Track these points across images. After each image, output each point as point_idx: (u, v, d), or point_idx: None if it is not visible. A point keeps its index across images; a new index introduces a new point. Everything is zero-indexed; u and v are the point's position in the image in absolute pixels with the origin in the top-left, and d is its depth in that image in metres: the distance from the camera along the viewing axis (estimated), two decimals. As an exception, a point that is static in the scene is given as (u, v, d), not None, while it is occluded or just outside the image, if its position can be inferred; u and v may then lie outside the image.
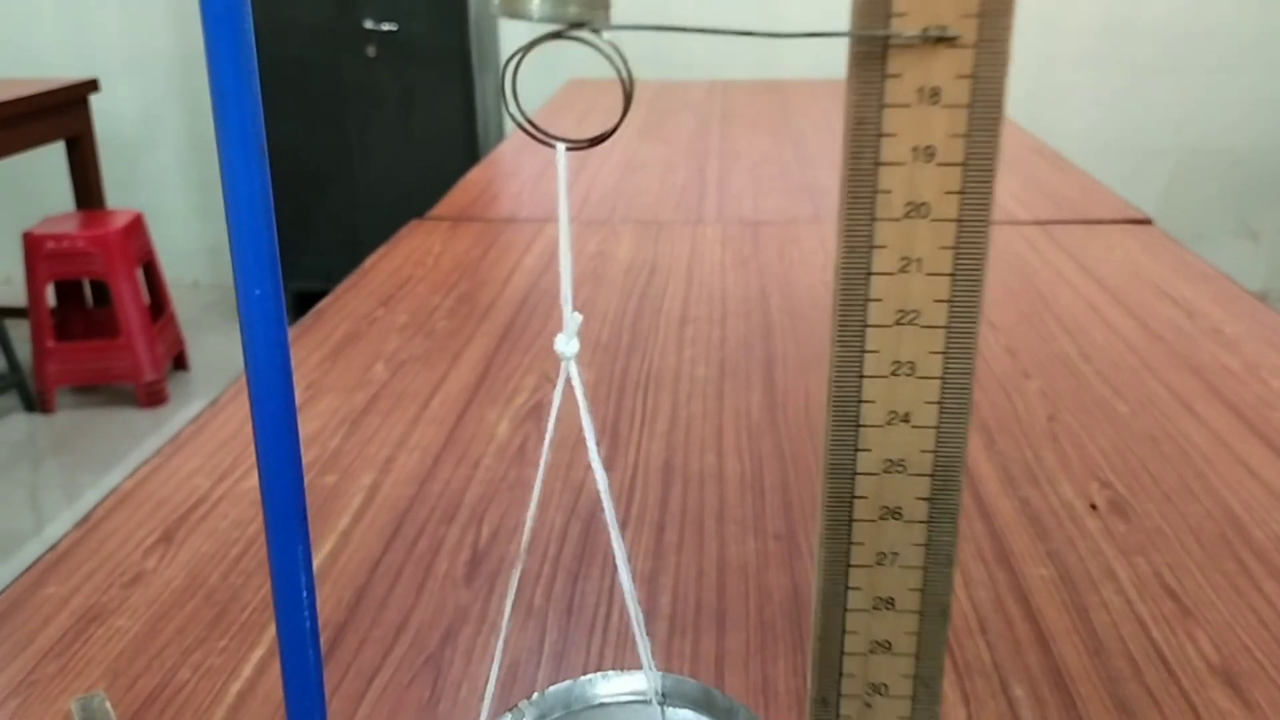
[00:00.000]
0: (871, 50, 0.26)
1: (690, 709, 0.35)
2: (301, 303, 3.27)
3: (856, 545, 0.31)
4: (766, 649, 0.52)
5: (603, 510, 0.30)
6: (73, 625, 0.55)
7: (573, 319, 0.29)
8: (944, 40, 0.26)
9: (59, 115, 2.77)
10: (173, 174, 3.57)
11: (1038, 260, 1.10)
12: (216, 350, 3.09)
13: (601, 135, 0.26)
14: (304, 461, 0.71)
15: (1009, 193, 1.36)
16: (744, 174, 1.49)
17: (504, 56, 3.41)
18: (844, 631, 0.32)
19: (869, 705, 0.33)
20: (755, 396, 0.80)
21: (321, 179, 3.15)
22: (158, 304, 2.84)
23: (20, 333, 2.82)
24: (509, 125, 3.28)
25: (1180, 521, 0.63)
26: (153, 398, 2.72)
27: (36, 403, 2.71)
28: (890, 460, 0.30)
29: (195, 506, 0.66)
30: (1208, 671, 0.50)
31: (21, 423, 2.67)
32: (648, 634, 0.52)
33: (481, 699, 0.49)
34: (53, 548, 0.62)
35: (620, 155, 1.59)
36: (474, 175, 1.53)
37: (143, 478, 0.69)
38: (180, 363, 2.95)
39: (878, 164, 0.27)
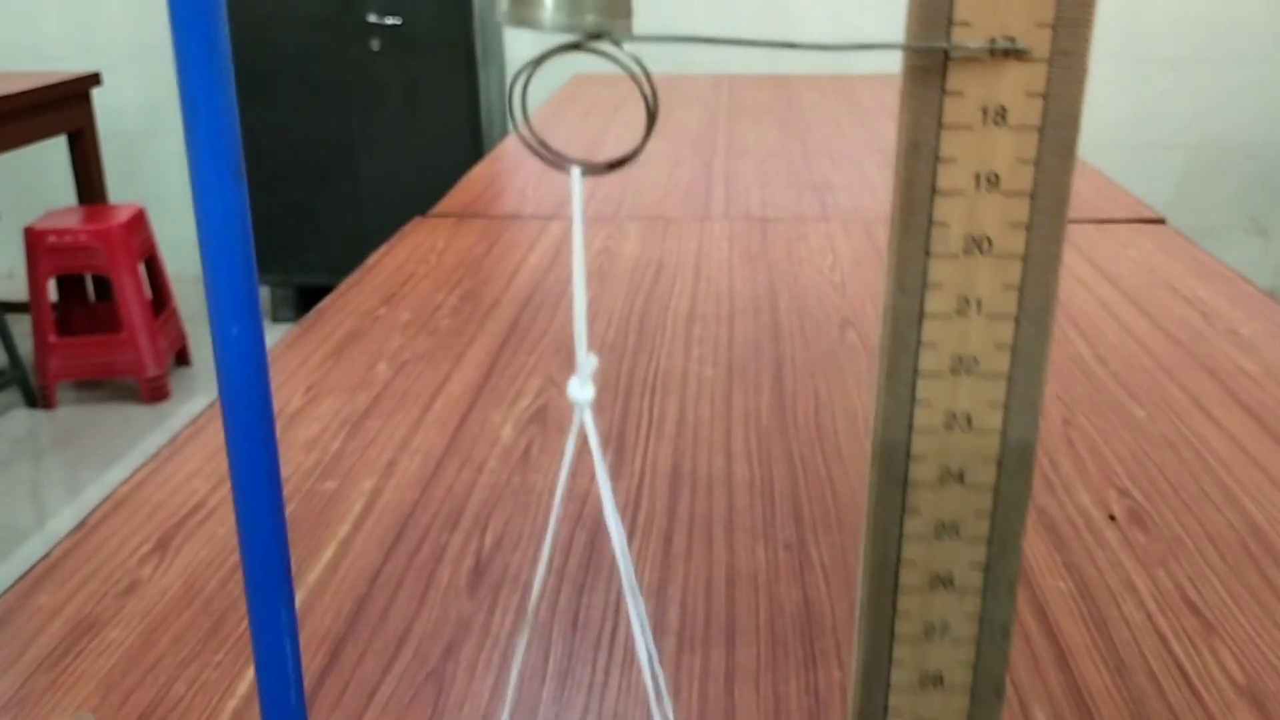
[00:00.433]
0: (929, 64, 0.23)
1: None
2: (305, 298, 3.26)
3: (902, 616, 0.28)
4: (778, 666, 0.51)
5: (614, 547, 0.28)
6: (65, 637, 0.54)
7: (587, 361, 0.26)
8: (1013, 53, 0.23)
9: (61, 109, 2.75)
10: (175, 168, 3.56)
11: (1050, 259, 1.08)
12: (219, 345, 3.07)
13: (621, 159, 0.24)
14: (305, 467, 0.69)
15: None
16: (751, 169, 1.47)
17: (509, 50, 3.39)
18: (886, 710, 0.29)
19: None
20: (764, 398, 0.78)
21: (325, 173, 3.13)
22: (160, 299, 2.83)
23: (22, 328, 2.81)
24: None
25: (1200, 531, 0.61)
26: (155, 393, 2.71)
27: (38, 398, 2.69)
28: (942, 523, 0.27)
29: (193, 511, 0.65)
30: (1234, 691, 0.49)
31: (23, 418, 2.66)
32: (657, 649, 0.51)
33: None
34: (46, 556, 0.61)
35: (626, 150, 1.57)
36: (478, 171, 1.51)
37: (139, 482, 0.68)
38: (183, 358, 2.94)
39: (934, 192, 0.24)
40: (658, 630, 0.53)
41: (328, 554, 0.60)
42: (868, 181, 1.41)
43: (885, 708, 0.29)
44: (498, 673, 0.51)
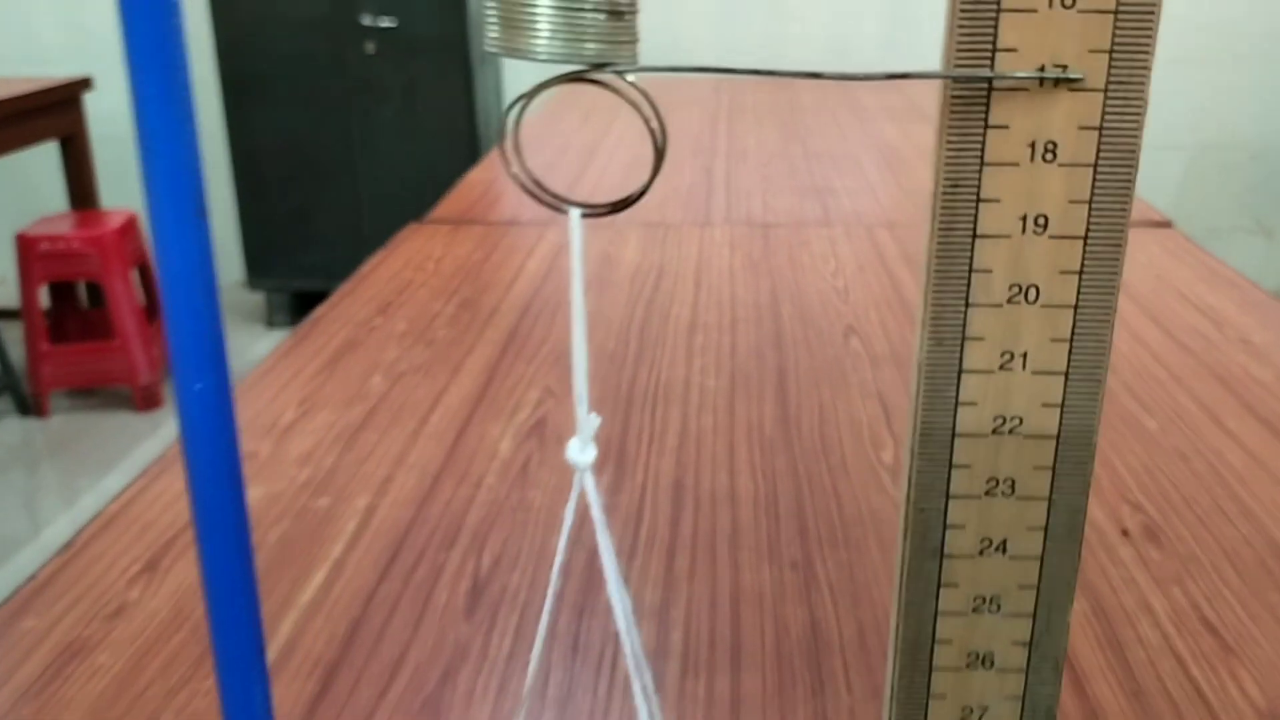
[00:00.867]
0: (971, 95, 0.21)
1: None
2: (301, 303, 3.24)
3: (937, 699, 0.26)
4: (785, 692, 0.49)
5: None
6: (52, 662, 0.52)
7: (589, 421, 0.23)
8: (1064, 82, 0.21)
9: (53, 114, 2.73)
10: (170, 172, 3.53)
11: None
12: (214, 350, 3.06)
13: (625, 200, 0.22)
14: (297, 483, 0.68)
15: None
16: (752, 173, 1.46)
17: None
18: None
19: None
20: (768, 409, 0.77)
21: (321, 177, 3.11)
22: (153, 305, 2.81)
23: (14, 335, 2.78)
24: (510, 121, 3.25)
25: (1216, 548, 0.60)
26: (149, 401, 2.69)
27: (31, 406, 2.67)
28: (981, 597, 0.25)
29: (182, 530, 0.63)
30: (1255, 717, 0.47)
31: (16, 426, 2.64)
32: (655, 675, 0.49)
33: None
34: (32, 578, 0.59)
35: (625, 153, 1.55)
36: (474, 176, 1.49)
37: (128, 500, 0.66)
38: (178, 363, 2.92)
39: (975, 236, 0.22)
40: (660, 654, 0.52)
41: (320, 575, 0.59)
42: (869, 184, 1.40)
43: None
44: (496, 699, 0.49)
